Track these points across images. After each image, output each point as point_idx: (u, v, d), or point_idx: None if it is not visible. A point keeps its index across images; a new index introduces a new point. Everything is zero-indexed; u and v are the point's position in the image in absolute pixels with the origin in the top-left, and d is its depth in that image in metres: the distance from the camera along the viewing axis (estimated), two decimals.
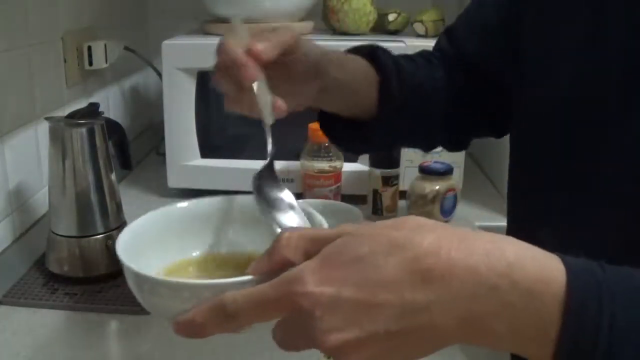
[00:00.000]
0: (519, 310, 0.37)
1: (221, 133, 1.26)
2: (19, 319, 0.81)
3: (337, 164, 1.15)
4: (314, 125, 1.12)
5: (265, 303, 0.40)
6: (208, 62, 0.61)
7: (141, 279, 0.48)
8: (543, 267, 0.37)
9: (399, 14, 1.30)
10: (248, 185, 1.37)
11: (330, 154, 1.13)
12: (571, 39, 0.61)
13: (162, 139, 1.23)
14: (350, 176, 1.19)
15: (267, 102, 0.56)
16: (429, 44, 1.16)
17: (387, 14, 1.30)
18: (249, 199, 0.59)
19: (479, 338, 0.38)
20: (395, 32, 1.31)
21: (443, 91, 0.74)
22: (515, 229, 0.74)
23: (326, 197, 1.13)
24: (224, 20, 1.25)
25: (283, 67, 0.61)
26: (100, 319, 0.82)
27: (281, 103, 0.58)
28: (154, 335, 0.78)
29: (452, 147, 0.82)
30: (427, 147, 0.82)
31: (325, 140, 1.12)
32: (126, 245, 0.52)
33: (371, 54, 0.71)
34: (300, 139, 1.15)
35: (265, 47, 0.56)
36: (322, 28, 1.31)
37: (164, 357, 0.75)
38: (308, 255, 0.41)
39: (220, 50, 0.57)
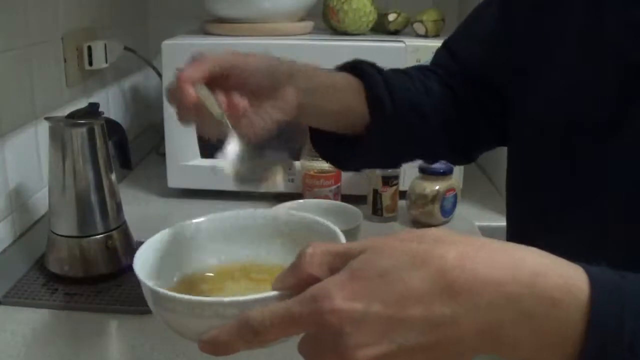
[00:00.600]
0: (542, 320, 0.37)
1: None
2: (19, 319, 0.81)
3: None
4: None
5: (292, 320, 0.40)
6: None
7: (163, 298, 0.47)
8: (566, 276, 0.38)
9: (399, 14, 1.30)
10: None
11: None
12: (566, 42, 0.61)
13: (162, 139, 1.23)
14: (350, 176, 1.19)
15: (212, 103, 0.59)
16: (429, 44, 1.18)
17: (387, 14, 1.30)
18: (266, 213, 0.60)
19: (502, 347, 0.38)
20: (395, 32, 1.31)
21: (441, 104, 0.73)
22: (514, 229, 0.74)
23: (326, 197, 1.13)
24: (224, 20, 1.24)
25: (236, 87, 0.63)
26: (100, 319, 0.82)
27: (239, 99, 0.61)
28: (153, 335, 0.78)
29: (456, 160, 0.82)
30: (429, 160, 0.81)
31: None
32: (143, 265, 0.52)
33: (355, 68, 0.71)
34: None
35: (189, 73, 0.60)
36: (322, 28, 1.31)
37: (164, 357, 0.75)
38: (333, 271, 0.41)
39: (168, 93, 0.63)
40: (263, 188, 0.59)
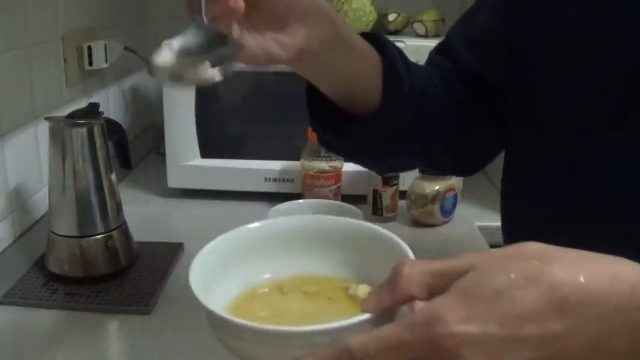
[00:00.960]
0: None
1: (221, 133, 1.27)
2: (19, 319, 0.81)
3: (337, 164, 1.15)
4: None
5: (401, 346, 0.38)
6: None
7: (242, 328, 0.42)
8: None
9: (399, 14, 1.30)
10: (247, 185, 1.36)
11: (331, 154, 1.13)
12: (566, 41, 0.61)
13: (162, 139, 1.23)
14: (350, 176, 1.19)
15: None
16: (429, 44, 1.16)
17: (387, 14, 1.30)
18: (323, 219, 0.57)
19: (610, 357, 0.39)
20: (395, 32, 1.31)
21: (443, 100, 0.70)
22: (511, 229, 0.73)
23: (326, 197, 1.13)
24: None
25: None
26: (100, 319, 0.82)
27: None
28: (154, 335, 0.78)
29: (454, 167, 0.78)
30: (425, 161, 0.77)
31: None
32: (198, 284, 0.46)
33: (374, 38, 0.65)
34: (300, 139, 1.15)
35: None
36: None
37: (164, 357, 0.75)
38: (432, 290, 0.40)
39: None
40: (191, 83, 0.53)
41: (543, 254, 0.39)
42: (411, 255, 0.47)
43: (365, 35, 0.64)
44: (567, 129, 0.62)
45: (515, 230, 0.72)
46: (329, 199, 1.13)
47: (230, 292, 0.52)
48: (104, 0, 1.31)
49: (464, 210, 1.19)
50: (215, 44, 0.52)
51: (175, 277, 0.93)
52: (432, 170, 0.79)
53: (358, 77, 0.62)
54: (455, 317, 0.37)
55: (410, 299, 0.40)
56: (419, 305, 0.42)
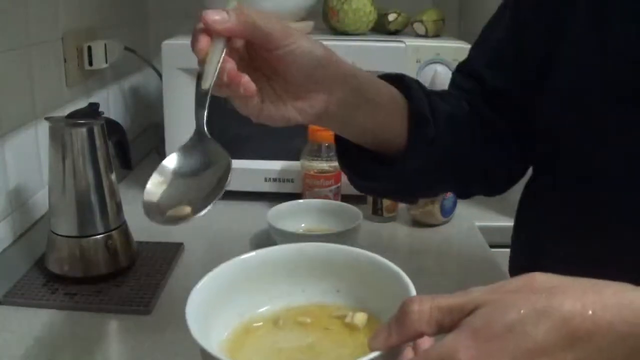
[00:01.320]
0: None
1: (221, 133, 1.25)
2: (19, 319, 0.81)
3: (337, 164, 1.14)
4: (314, 126, 1.12)
5: None
6: None
7: None
8: None
9: (399, 14, 1.30)
10: (247, 186, 1.36)
11: (331, 154, 1.13)
12: (568, 40, 0.61)
13: (162, 139, 1.23)
14: None
15: (212, 65, 0.52)
16: (429, 44, 1.18)
17: (387, 14, 1.30)
18: (316, 247, 0.56)
19: None
20: (395, 32, 1.31)
21: (471, 123, 0.69)
22: (524, 232, 0.73)
23: (326, 197, 1.13)
24: None
25: (272, 63, 0.56)
26: (100, 319, 0.82)
27: (247, 80, 0.54)
28: (154, 335, 0.78)
29: (488, 189, 0.76)
30: (461, 190, 0.76)
31: (325, 140, 1.12)
32: (195, 323, 0.45)
33: (394, 78, 0.65)
34: (300, 139, 1.15)
35: (216, 19, 0.52)
36: (322, 28, 1.31)
37: (164, 357, 0.75)
38: (441, 327, 0.40)
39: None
40: (173, 221, 0.55)
41: (551, 286, 0.40)
42: (408, 280, 0.47)
43: (386, 75, 0.65)
44: (567, 129, 0.62)
45: (524, 228, 0.72)
46: (329, 199, 1.13)
47: (227, 326, 0.51)
48: (104, 0, 1.31)
49: (464, 210, 1.19)
50: (211, 159, 0.57)
51: (175, 277, 0.93)
52: (464, 194, 0.77)
53: (381, 127, 0.63)
54: (468, 356, 0.37)
55: (419, 336, 0.41)
56: (426, 342, 0.43)
